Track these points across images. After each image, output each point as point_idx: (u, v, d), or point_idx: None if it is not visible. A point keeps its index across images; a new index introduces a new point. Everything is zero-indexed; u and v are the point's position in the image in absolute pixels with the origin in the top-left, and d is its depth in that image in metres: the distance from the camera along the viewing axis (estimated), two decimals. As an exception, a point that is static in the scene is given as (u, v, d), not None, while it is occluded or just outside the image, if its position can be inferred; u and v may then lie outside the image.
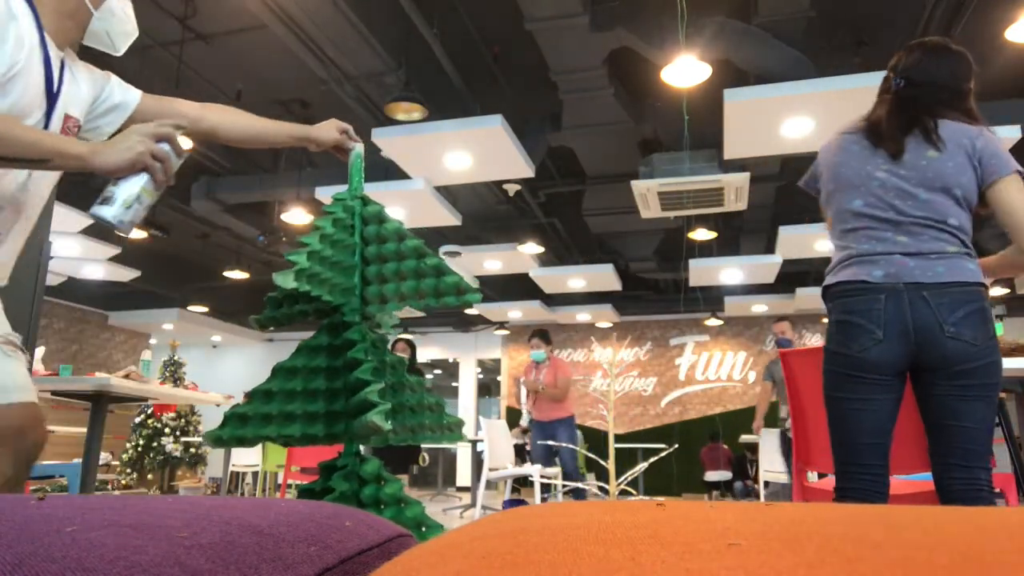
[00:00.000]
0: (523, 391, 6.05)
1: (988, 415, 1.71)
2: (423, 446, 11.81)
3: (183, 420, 10.68)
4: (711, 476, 9.15)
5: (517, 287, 10.36)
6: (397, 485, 1.49)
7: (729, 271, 8.73)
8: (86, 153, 1.17)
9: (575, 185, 7.48)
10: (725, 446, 9.61)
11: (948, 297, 1.68)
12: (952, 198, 1.74)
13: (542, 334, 6.03)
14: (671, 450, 7.94)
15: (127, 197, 1.20)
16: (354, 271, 1.59)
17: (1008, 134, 4.96)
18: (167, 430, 10.48)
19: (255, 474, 7.30)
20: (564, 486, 6.87)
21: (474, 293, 1.50)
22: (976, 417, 1.70)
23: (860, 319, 1.72)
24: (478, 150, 5.60)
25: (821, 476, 3.39)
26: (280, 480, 5.72)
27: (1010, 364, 2.36)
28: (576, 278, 9.41)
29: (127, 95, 1.53)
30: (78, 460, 3.39)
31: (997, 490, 3.57)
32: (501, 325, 12.38)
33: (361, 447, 1.55)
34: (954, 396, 1.70)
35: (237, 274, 9.01)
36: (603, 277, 9.33)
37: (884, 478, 1.75)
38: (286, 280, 1.38)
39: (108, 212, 1.19)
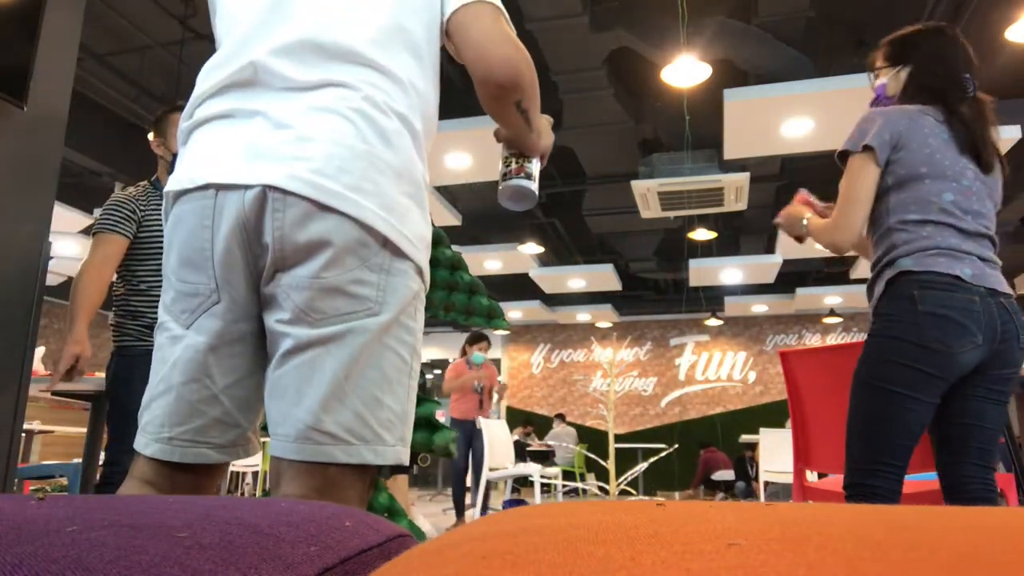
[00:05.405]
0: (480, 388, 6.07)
1: (1004, 418, 1.74)
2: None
3: (183, 420, 10.66)
4: (718, 475, 9.16)
5: (517, 287, 10.37)
6: (386, 495, 1.47)
7: (729, 271, 8.73)
8: (544, 131, 1.24)
9: (575, 185, 7.48)
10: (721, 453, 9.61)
11: (1015, 307, 1.70)
12: (995, 215, 1.79)
13: (488, 338, 6.10)
14: (671, 450, 7.98)
15: (537, 175, 1.29)
16: None
17: (1008, 134, 4.96)
18: (167, 430, 10.46)
19: (255, 474, 7.30)
20: (564, 486, 6.88)
21: (502, 320, 1.49)
22: (997, 420, 1.72)
23: (962, 317, 1.63)
24: (478, 150, 5.60)
25: (821, 476, 3.39)
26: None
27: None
28: (576, 278, 9.41)
29: None
30: (78, 460, 3.39)
31: (997, 490, 3.56)
32: (501, 325, 12.38)
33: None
34: (991, 400, 1.71)
35: (237, 274, 9.00)
36: (603, 277, 9.34)
37: (903, 477, 1.73)
38: None
39: (534, 187, 1.27)
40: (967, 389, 1.70)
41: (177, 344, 1.01)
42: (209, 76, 1.05)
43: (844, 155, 1.81)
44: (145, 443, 1.02)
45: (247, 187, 0.95)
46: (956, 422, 1.73)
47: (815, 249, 7.65)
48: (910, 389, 1.66)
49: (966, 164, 1.76)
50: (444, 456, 1.81)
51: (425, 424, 1.75)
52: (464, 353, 6.08)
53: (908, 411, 1.66)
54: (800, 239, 1.96)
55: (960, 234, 1.71)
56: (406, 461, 1.00)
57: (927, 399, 1.66)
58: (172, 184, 1.02)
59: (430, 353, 12.94)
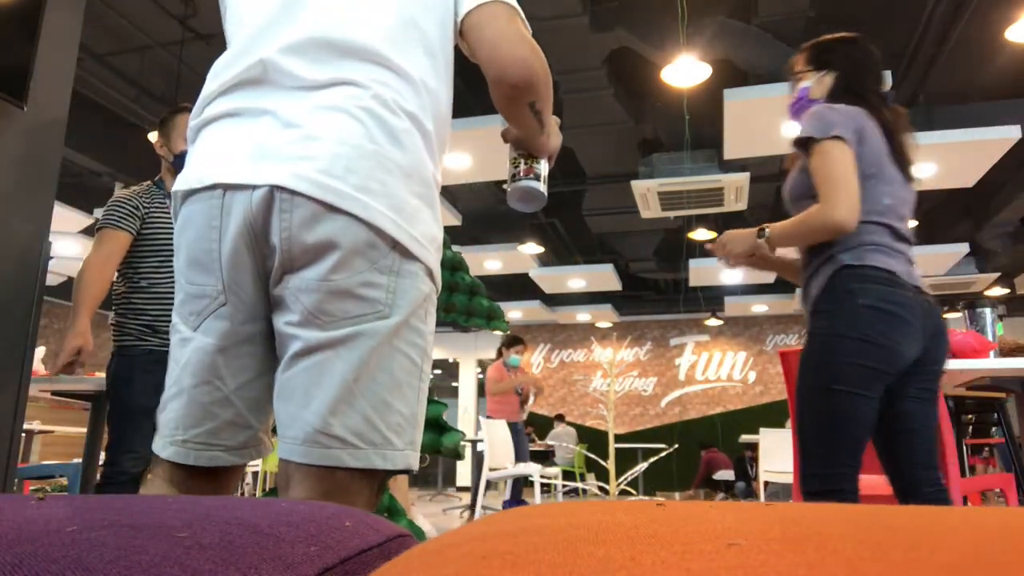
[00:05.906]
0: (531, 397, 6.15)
1: (936, 415, 1.79)
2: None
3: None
4: (720, 475, 9.18)
5: (517, 287, 10.37)
6: (386, 495, 1.47)
7: (729, 271, 8.73)
8: (554, 132, 1.22)
9: (575, 185, 7.48)
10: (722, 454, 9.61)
11: (937, 306, 1.74)
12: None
13: (524, 340, 6.18)
14: (671, 450, 7.99)
15: (546, 175, 1.28)
16: None
17: (1008, 134, 4.96)
18: (167, 430, 10.45)
19: (255, 474, 7.30)
20: (564, 486, 6.88)
21: (502, 321, 1.48)
22: (934, 418, 1.76)
23: (904, 312, 1.64)
24: (478, 150, 5.60)
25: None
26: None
27: (1010, 364, 2.36)
28: (576, 278, 9.41)
29: None
30: (78, 460, 3.39)
31: (996, 490, 3.57)
32: (501, 325, 12.38)
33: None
34: (924, 399, 1.74)
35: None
36: (603, 277, 9.33)
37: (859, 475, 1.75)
38: None
39: (543, 188, 1.26)
40: (902, 391, 1.72)
41: (187, 346, 1.00)
42: (219, 74, 1.04)
43: (807, 142, 1.77)
44: (162, 445, 1.02)
45: (254, 187, 0.93)
46: (900, 428, 1.74)
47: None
48: (857, 387, 1.62)
49: (896, 170, 1.79)
50: (453, 458, 1.81)
51: (433, 426, 1.75)
52: (500, 356, 6.15)
53: (858, 409, 1.63)
54: (751, 258, 1.87)
55: (892, 234, 1.73)
56: (415, 466, 0.98)
57: (874, 395, 1.65)
58: (180, 184, 1.01)
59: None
